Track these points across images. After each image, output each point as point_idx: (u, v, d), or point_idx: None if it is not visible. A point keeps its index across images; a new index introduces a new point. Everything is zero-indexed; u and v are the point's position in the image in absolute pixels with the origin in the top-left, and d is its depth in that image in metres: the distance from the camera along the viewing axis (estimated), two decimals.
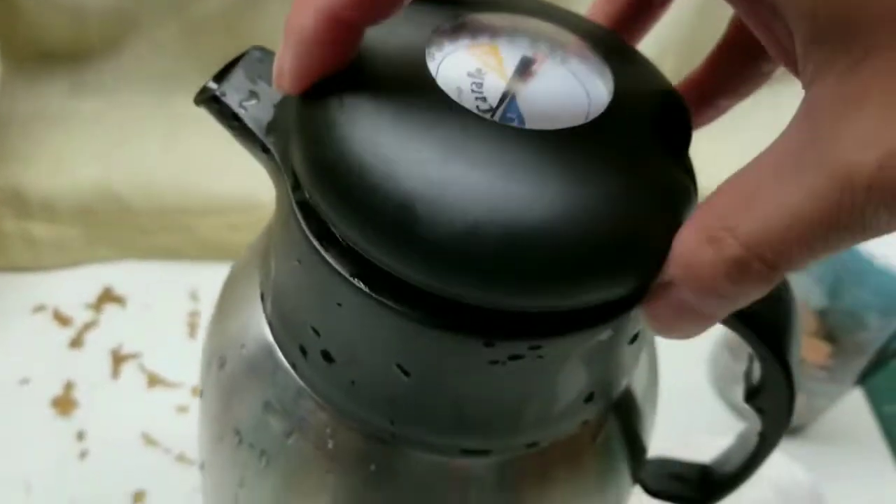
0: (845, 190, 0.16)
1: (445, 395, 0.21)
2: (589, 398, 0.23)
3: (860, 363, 0.45)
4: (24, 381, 0.47)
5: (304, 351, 0.22)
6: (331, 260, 0.20)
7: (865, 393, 0.54)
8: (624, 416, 0.25)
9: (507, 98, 0.20)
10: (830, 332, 0.43)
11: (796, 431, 0.51)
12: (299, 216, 0.20)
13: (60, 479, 0.43)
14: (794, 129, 0.18)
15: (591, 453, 0.24)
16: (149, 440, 0.45)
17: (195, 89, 0.52)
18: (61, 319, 0.49)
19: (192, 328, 0.50)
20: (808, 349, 0.45)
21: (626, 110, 0.21)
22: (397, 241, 0.18)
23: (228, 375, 0.25)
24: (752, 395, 0.24)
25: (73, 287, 0.51)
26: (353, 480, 0.23)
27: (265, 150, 0.22)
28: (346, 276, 0.20)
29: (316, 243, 0.20)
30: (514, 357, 0.20)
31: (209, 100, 0.23)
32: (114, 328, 0.50)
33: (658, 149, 0.20)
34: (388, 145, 0.18)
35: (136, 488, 0.44)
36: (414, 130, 0.19)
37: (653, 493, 0.29)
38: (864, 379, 0.48)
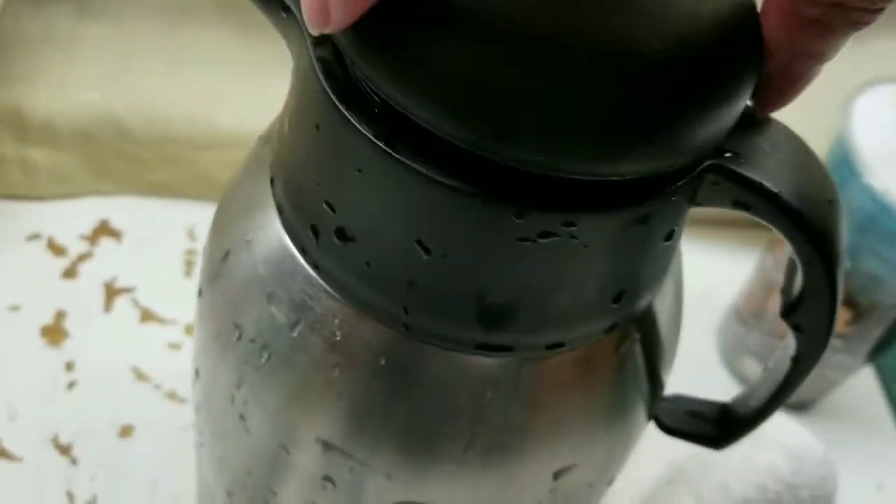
0: None
1: (467, 279, 0.20)
2: (617, 298, 0.21)
3: (877, 332, 0.44)
4: (14, 308, 0.45)
5: (315, 231, 0.21)
6: (354, 120, 0.18)
7: (876, 372, 0.53)
8: (646, 337, 0.24)
9: None
10: (850, 297, 0.42)
11: (806, 406, 0.50)
12: (320, 74, 0.19)
13: (46, 408, 0.42)
14: None
15: (613, 366, 0.23)
16: (139, 375, 0.44)
17: (203, 21, 0.52)
18: (55, 249, 0.48)
19: (189, 266, 0.49)
20: None
21: None
22: (425, 72, 0.17)
23: (230, 268, 0.24)
24: (789, 309, 0.23)
25: (68, 218, 0.49)
26: (360, 375, 0.22)
27: (286, 8, 0.21)
28: (371, 136, 0.18)
29: (338, 102, 0.19)
30: (545, 234, 0.18)
31: None
32: (108, 261, 0.48)
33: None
34: None
35: (124, 422, 0.42)
36: None
37: (668, 430, 0.28)
38: (875, 355, 0.46)
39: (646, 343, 0.24)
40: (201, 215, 0.51)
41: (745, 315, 0.49)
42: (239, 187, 0.26)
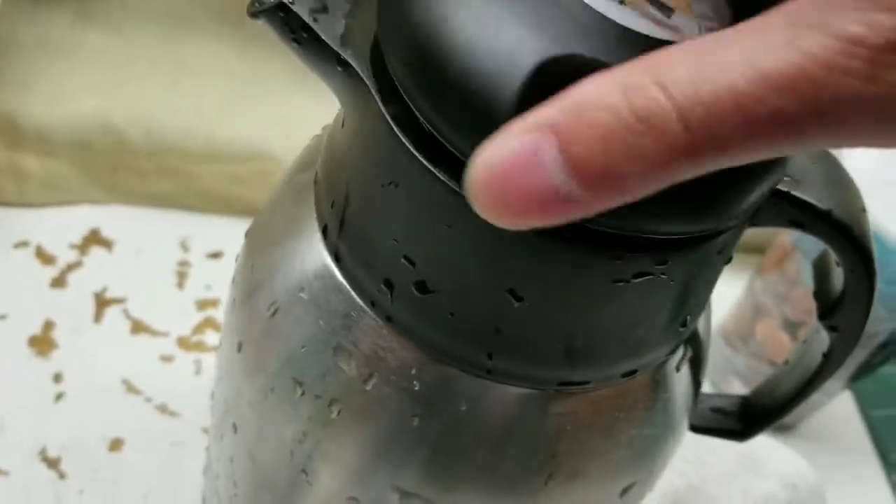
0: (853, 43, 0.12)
1: (556, 322, 0.20)
2: (684, 322, 0.22)
3: (860, 358, 0.45)
4: (2, 317, 0.44)
5: (390, 285, 0.21)
6: (443, 176, 0.18)
7: (854, 397, 0.54)
8: (695, 353, 0.25)
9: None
10: None
11: (788, 429, 0.51)
12: (399, 132, 0.19)
13: (34, 420, 0.41)
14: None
15: (673, 384, 0.24)
16: (129, 387, 0.43)
17: (203, 32, 0.51)
18: (44, 257, 0.47)
19: (181, 278, 0.48)
20: None
21: None
22: None
23: (283, 324, 0.23)
24: (828, 312, 0.24)
25: (58, 226, 0.48)
26: (441, 422, 0.22)
27: (341, 63, 0.20)
28: (464, 192, 0.18)
29: (425, 161, 0.18)
30: (638, 275, 0.19)
31: (274, 9, 0.20)
32: (99, 271, 0.47)
33: None
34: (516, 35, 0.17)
35: (114, 436, 0.41)
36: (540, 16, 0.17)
37: (695, 428, 0.29)
38: (854, 380, 0.48)
39: (694, 359, 0.24)
40: (195, 227, 0.51)
41: (732, 337, 0.50)
42: (275, 226, 0.25)
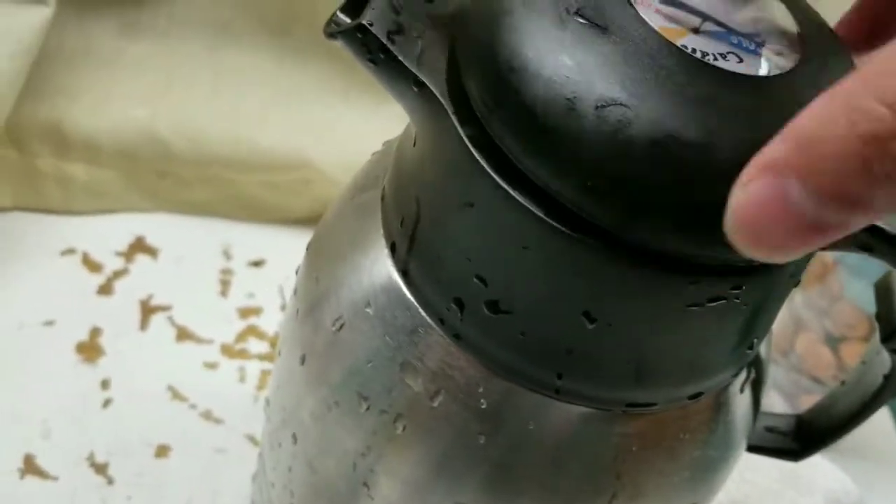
0: None
1: (627, 344, 0.20)
2: (751, 345, 0.22)
3: None
4: (49, 324, 0.45)
5: (460, 304, 0.21)
6: (522, 199, 0.18)
7: (892, 413, 0.54)
8: (757, 374, 0.25)
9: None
10: None
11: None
12: (476, 153, 0.19)
13: (82, 426, 0.42)
14: None
15: (737, 405, 0.24)
16: (175, 394, 0.44)
17: (243, 42, 0.51)
18: (90, 265, 0.48)
19: (224, 286, 0.49)
20: (857, 355, 0.44)
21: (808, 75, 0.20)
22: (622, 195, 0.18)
23: (349, 339, 0.23)
24: (891, 335, 0.24)
25: (103, 233, 0.49)
26: (508, 440, 0.22)
27: (418, 84, 0.20)
28: (543, 216, 0.18)
29: (503, 182, 0.19)
30: (713, 299, 0.19)
31: (352, 31, 0.20)
32: (144, 279, 0.48)
33: None
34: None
35: (160, 442, 0.42)
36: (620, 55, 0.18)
37: (751, 448, 0.29)
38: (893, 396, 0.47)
39: (755, 381, 0.24)
40: (236, 235, 0.52)
41: (772, 352, 0.50)
42: (340, 241, 0.25)
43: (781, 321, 0.49)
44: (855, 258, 0.44)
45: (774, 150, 0.14)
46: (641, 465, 0.22)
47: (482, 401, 0.22)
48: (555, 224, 0.18)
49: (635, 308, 0.19)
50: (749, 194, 0.14)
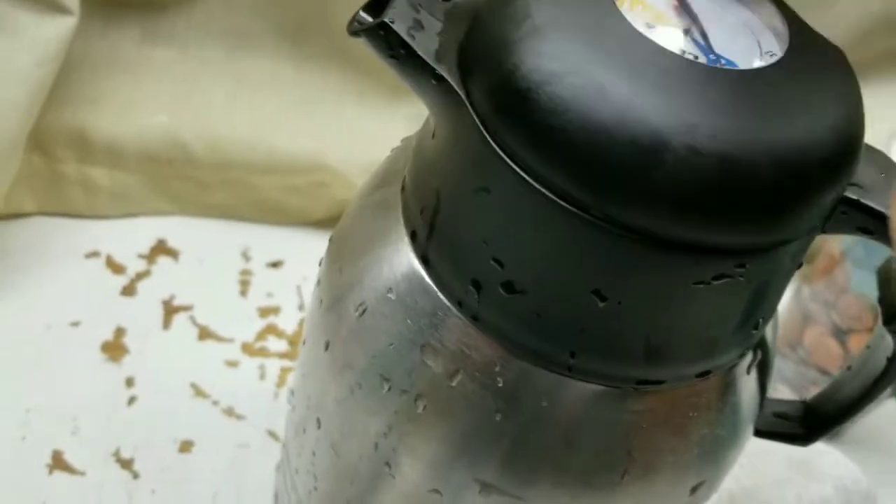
0: None
1: (637, 322, 0.21)
2: (756, 325, 0.23)
3: None
4: (75, 324, 0.46)
5: (477, 285, 0.22)
6: (536, 183, 0.20)
7: None
8: (763, 357, 0.25)
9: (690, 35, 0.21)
10: None
11: (835, 434, 0.51)
12: (491, 141, 0.20)
13: (108, 422, 0.43)
14: None
15: (743, 386, 0.25)
16: (198, 391, 0.45)
17: (262, 49, 0.52)
18: (114, 267, 0.49)
19: (244, 286, 0.50)
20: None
21: (800, 61, 0.21)
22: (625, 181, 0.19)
23: (371, 323, 0.25)
24: (892, 317, 0.25)
25: (126, 236, 0.50)
26: (523, 418, 0.23)
27: (436, 77, 0.21)
28: (556, 198, 0.19)
29: (516, 167, 0.20)
30: (718, 276, 0.20)
31: (375, 28, 0.21)
32: (166, 280, 0.49)
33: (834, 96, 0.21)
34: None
35: (184, 438, 0.43)
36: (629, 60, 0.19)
37: (759, 433, 0.30)
38: None
39: (762, 363, 0.25)
40: (255, 237, 0.53)
41: (780, 344, 0.50)
42: (361, 235, 0.26)
43: (789, 315, 0.50)
44: (861, 251, 0.45)
45: None
46: (652, 442, 0.23)
47: (499, 379, 0.23)
48: (566, 205, 0.19)
49: (643, 286, 0.20)
50: None
